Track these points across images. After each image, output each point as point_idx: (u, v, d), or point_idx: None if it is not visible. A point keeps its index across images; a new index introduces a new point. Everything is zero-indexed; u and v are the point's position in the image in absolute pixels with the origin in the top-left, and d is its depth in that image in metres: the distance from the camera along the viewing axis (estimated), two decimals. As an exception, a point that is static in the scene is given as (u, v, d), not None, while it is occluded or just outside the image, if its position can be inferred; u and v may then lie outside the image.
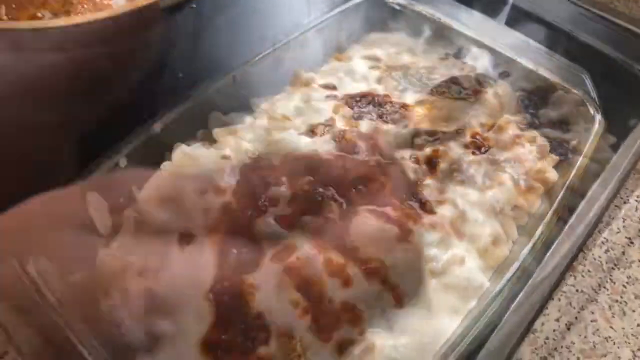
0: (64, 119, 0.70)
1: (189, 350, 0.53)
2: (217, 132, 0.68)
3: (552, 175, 0.65)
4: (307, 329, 0.53)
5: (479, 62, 0.79)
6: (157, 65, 0.88)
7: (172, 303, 0.55)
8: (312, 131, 0.67)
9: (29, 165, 0.68)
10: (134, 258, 0.60)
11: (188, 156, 0.66)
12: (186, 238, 0.59)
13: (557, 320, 0.64)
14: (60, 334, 0.50)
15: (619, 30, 0.75)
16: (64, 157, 0.70)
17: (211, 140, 0.69)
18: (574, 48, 0.76)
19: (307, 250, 0.56)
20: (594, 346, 0.61)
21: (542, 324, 0.63)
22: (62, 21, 0.64)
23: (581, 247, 0.69)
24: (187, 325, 0.54)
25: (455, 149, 0.65)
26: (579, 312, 0.64)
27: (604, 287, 0.66)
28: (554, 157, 0.66)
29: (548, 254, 0.66)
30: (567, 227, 0.66)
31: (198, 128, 0.70)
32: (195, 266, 0.57)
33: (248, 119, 0.71)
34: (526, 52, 0.80)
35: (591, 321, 0.63)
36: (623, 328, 0.63)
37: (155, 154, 0.66)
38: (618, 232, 0.70)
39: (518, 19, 0.81)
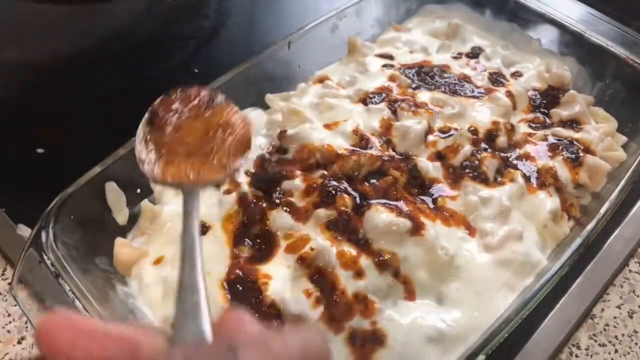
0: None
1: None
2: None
3: (564, 171, 0.65)
4: (319, 318, 0.54)
5: (492, 61, 0.79)
6: (212, 33, 0.91)
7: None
8: (327, 126, 0.67)
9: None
10: (149, 247, 0.61)
11: None
12: (202, 228, 0.60)
13: (619, 307, 0.64)
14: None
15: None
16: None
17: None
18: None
19: (320, 242, 0.57)
20: None
21: (602, 310, 0.64)
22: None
23: None
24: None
25: (467, 146, 0.66)
26: None
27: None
28: (565, 155, 0.67)
29: (611, 238, 0.67)
30: (633, 211, 0.68)
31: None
32: (211, 256, 0.58)
33: (263, 114, 0.72)
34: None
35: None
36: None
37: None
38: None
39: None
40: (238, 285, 0.56)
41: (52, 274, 0.53)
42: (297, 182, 0.62)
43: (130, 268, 0.59)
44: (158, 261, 0.59)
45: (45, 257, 0.53)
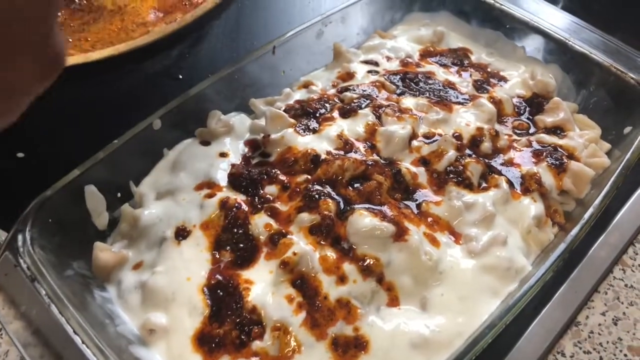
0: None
1: (183, 343, 0.52)
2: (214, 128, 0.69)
3: (548, 177, 0.65)
4: (302, 324, 0.53)
5: (477, 69, 0.79)
6: (197, 39, 0.92)
7: (167, 297, 0.55)
8: (313, 131, 0.67)
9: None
10: (129, 252, 0.60)
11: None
12: (182, 233, 0.59)
13: (604, 314, 0.64)
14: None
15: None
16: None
17: (208, 139, 0.69)
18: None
19: (303, 247, 0.56)
20: None
21: (587, 317, 0.63)
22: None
23: (631, 241, 0.70)
24: (181, 318, 0.54)
25: (451, 152, 0.65)
26: (627, 307, 0.64)
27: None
28: (549, 161, 0.67)
29: (595, 245, 0.67)
30: (617, 218, 0.68)
31: (196, 126, 0.70)
32: (191, 260, 0.57)
33: (247, 119, 0.72)
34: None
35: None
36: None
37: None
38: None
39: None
40: (218, 291, 0.55)
41: (27, 278, 0.51)
42: (280, 186, 0.62)
43: (109, 273, 0.58)
44: (137, 266, 0.58)
45: (20, 261, 0.52)
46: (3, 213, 0.63)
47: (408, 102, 0.72)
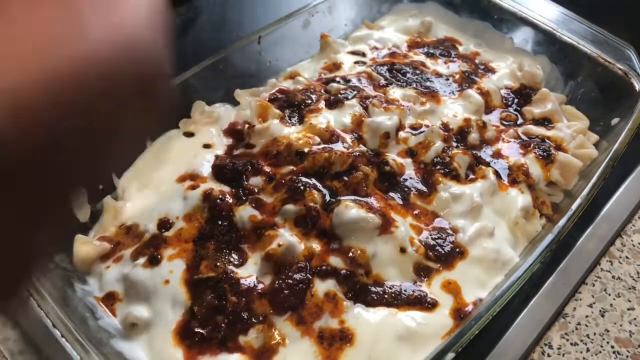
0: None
1: (165, 337, 0.52)
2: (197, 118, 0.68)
3: (536, 169, 0.65)
4: (286, 318, 0.52)
5: (465, 60, 0.79)
6: (182, 30, 0.91)
7: (149, 290, 0.54)
8: (299, 122, 0.66)
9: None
10: (111, 245, 0.59)
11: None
12: (165, 225, 0.58)
13: (591, 306, 0.64)
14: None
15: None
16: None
17: (192, 130, 0.68)
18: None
19: (288, 238, 0.55)
20: (631, 335, 0.61)
21: (574, 308, 0.63)
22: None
23: (619, 232, 0.69)
24: (163, 312, 0.53)
25: (438, 143, 0.65)
26: (614, 299, 0.64)
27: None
28: (537, 152, 0.66)
29: (583, 237, 0.67)
30: (605, 209, 0.68)
31: (181, 117, 0.69)
32: (174, 253, 0.56)
33: (232, 110, 0.71)
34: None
35: (628, 309, 0.63)
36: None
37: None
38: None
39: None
40: (201, 284, 0.54)
41: (5, 272, 0.50)
42: (265, 177, 0.61)
43: (90, 266, 0.57)
44: (119, 259, 0.57)
45: (-2, 254, 0.51)
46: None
47: (395, 93, 0.71)
